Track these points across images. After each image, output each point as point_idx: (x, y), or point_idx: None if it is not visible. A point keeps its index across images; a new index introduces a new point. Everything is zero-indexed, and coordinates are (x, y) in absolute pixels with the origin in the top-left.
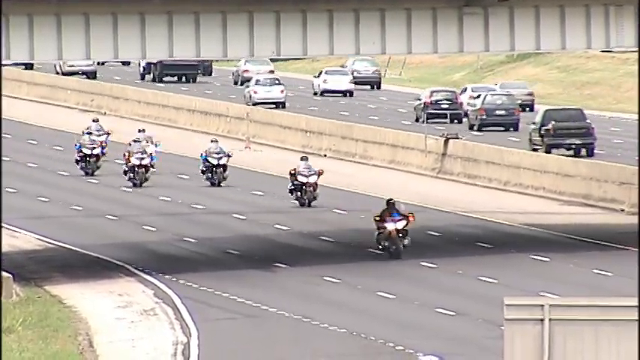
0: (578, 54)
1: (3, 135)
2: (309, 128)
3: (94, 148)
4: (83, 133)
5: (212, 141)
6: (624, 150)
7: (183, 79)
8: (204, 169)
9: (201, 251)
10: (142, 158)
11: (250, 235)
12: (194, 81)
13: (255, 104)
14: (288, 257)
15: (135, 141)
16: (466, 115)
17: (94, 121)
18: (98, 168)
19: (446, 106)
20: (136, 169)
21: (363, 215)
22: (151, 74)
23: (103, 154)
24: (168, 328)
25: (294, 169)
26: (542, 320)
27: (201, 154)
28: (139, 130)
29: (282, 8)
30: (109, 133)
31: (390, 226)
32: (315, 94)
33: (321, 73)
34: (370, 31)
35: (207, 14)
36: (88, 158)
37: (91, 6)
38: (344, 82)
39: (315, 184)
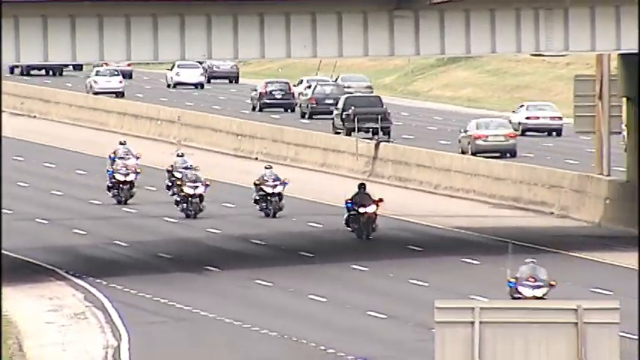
0: (508, 57)
1: None
2: (241, 131)
3: (128, 174)
4: (109, 157)
5: (266, 167)
6: (553, 153)
7: (50, 72)
8: (258, 198)
9: (131, 255)
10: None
11: (182, 238)
12: (60, 74)
13: (95, 93)
14: (219, 260)
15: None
16: (299, 105)
17: (121, 143)
18: (132, 196)
19: (279, 97)
20: (121, 185)
21: (294, 218)
22: (19, 67)
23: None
24: (98, 331)
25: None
26: (472, 323)
27: (255, 182)
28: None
29: (213, 11)
30: (138, 157)
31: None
32: (169, 86)
33: (173, 66)
34: (301, 34)
35: (138, 17)
36: (121, 185)
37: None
38: (195, 75)
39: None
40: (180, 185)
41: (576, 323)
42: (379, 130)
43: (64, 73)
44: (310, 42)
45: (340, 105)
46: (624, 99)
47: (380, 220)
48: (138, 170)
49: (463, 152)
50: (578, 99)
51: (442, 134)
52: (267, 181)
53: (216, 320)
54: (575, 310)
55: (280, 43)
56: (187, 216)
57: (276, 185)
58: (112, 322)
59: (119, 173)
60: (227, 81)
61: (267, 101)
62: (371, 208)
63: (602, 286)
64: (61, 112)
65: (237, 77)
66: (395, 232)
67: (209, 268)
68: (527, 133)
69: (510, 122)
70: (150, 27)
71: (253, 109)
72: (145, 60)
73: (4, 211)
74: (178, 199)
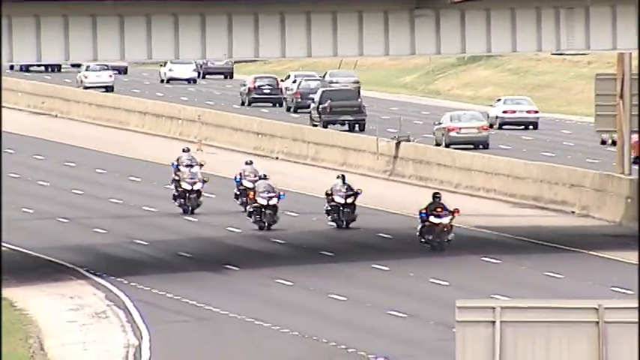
0: (529, 56)
1: None
2: (261, 130)
3: (195, 182)
4: (173, 164)
5: (338, 177)
6: (574, 152)
7: (49, 69)
8: (330, 208)
9: (152, 254)
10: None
11: (202, 237)
12: (59, 70)
13: (86, 88)
14: (239, 259)
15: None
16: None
17: (184, 151)
18: (199, 205)
19: (268, 91)
20: (188, 194)
21: (315, 218)
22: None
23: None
24: (119, 330)
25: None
26: (493, 322)
27: (327, 192)
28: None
29: (233, 10)
30: (202, 165)
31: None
32: (162, 81)
33: (166, 62)
34: (322, 33)
35: (158, 15)
36: (188, 194)
37: (70, 7)
38: (188, 71)
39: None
40: (252, 197)
41: (597, 322)
42: (354, 122)
43: (62, 69)
44: (331, 41)
45: (317, 98)
46: None
47: (400, 219)
48: (205, 179)
49: (438, 144)
50: (600, 98)
51: (503, 138)
52: (339, 191)
53: (237, 319)
54: (596, 309)
55: (301, 42)
56: (261, 228)
57: (349, 196)
58: (132, 321)
59: (186, 182)
60: (222, 77)
61: (256, 96)
62: (446, 219)
63: (622, 285)
64: (82, 111)
65: (232, 73)
66: (416, 231)
67: (229, 266)
68: (505, 127)
69: (488, 116)
70: (171, 26)
71: (242, 103)
72: (168, 58)
73: (24, 210)
74: (251, 209)
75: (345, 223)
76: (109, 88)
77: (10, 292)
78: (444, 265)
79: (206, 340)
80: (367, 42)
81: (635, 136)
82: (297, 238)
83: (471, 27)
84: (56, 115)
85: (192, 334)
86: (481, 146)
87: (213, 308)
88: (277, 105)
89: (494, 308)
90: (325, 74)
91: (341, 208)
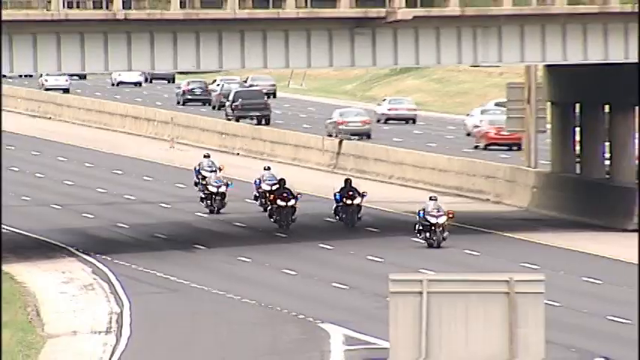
0: (451, 68)
1: None
2: (225, 130)
3: (220, 185)
4: (195, 169)
5: (346, 180)
6: (452, 144)
7: (23, 76)
8: (337, 207)
9: (132, 235)
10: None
11: (174, 221)
12: (31, 76)
13: (47, 89)
14: (206, 240)
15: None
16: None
17: (205, 156)
18: (224, 206)
19: (199, 92)
20: (214, 196)
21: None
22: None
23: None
24: (104, 300)
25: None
26: (421, 293)
27: (335, 194)
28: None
29: (201, 29)
30: (221, 169)
31: (349, 201)
32: (113, 84)
33: None
34: (276, 48)
35: (136, 33)
36: (214, 196)
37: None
38: (135, 75)
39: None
40: (272, 199)
41: (508, 293)
42: (261, 117)
43: (33, 76)
44: (283, 55)
45: (231, 97)
46: (548, 103)
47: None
48: (229, 182)
49: (329, 135)
50: (510, 103)
51: (395, 132)
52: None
53: (205, 291)
54: (507, 281)
55: (258, 55)
56: (280, 226)
57: (354, 196)
58: (115, 292)
59: (212, 186)
60: (166, 81)
61: (189, 97)
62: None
63: (529, 262)
64: (72, 114)
65: (174, 78)
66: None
67: (198, 246)
68: (389, 122)
69: (376, 113)
70: (147, 43)
71: (178, 103)
72: (145, 70)
73: (23, 198)
74: (272, 211)
75: (351, 223)
76: (65, 90)
77: (10, 268)
78: (378, 244)
79: (178, 308)
80: (314, 56)
81: (484, 128)
82: (255, 222)
83: (402, 43)
84: (50, 118)
85: (166, 303)
86: (365, 137)
87: (183, 281)
88: (207, 104)
89: (421, 281)
90: (247, 78)
91: (349, 209)
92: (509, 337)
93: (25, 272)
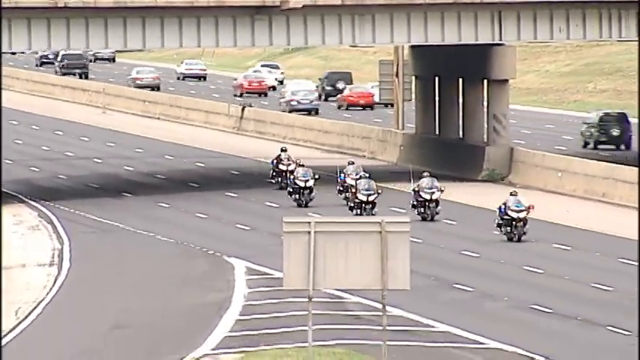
0: (333, 48)
1: None
2: (147, 99)
3: (307, 180)
4: (272, 162)
5: (354, 169)
6: (367, 115)
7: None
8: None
9: (70, 185)
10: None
11: (105, 173)
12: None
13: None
14: (133, 189)
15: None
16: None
17: (282, 150)
18: (312, 199)
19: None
20: (302, 190)
21: (185, 160)
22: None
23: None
24: (48, 239)
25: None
26: (309, 232)
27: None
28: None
29: (128, 15)
30: (297, 163)
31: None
32: (37, 65)
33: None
34: (190, 31)
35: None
36: (302, 190)
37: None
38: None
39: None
40: (354, 193)
41: (380, 232)
42: (82, 74)
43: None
44: (195, 37)
45: (59, 59)
46: (413, 77)
47: (245, 161)
48: (317, 176)
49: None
50: (382, 77)
51: (190, 87)
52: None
53: (131, 231)
54: (380, 223)
55: (175, 37)
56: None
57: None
58: (57, 232)
59: (300, 180)
60: (107, 62)
61: (66, 70)
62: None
63: (397, 206)
64: (22, 85)
65: (114, 58)
66: (256, 169)
67: (125, 194)
68: (186, 79)
69: (175, 72)
70: (83, 26)
71: (56, 72)
72: (100, 49)
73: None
74: (352, 204)
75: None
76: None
77: None
78: (275, 193)
79: (109, 245)
80: (221, 37)
81: (239, 81)
82: (173, 175)
83: (294, 27)
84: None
85: (99, 241)
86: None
87: (114, 223)
88: (83, 76)
89: (310, 222)
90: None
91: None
92: (382, 269)
93: None
